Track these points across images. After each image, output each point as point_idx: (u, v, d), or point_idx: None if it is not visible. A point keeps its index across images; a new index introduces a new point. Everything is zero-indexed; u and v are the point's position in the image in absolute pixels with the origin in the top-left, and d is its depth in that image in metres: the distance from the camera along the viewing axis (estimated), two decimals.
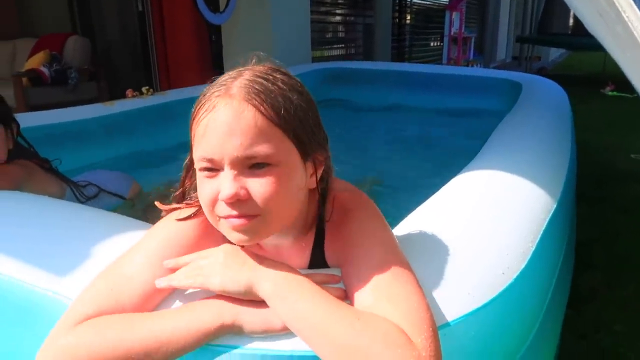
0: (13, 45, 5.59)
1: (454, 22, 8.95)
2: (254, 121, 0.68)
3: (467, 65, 8.54)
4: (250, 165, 0.70)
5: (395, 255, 0.75)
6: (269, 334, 0.71)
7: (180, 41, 5.29)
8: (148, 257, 0.79)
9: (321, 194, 0.82)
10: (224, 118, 0.68)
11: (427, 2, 9.40)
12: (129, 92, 3.02)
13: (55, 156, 1.62)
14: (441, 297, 0.77)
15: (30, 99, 4.55)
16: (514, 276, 0.88)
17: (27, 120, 1.54)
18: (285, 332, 0.70)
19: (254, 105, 0.69)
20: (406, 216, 1.09)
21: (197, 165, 0.72)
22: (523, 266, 0.92)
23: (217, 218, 0.73)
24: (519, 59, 12.00)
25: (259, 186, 0.70)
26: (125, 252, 0.83)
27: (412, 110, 3.84)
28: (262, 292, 0.71)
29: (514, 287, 0.86)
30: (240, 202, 0.69)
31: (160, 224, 0.86)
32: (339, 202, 0.83)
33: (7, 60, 5.49)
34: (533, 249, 1.00)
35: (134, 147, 2.68)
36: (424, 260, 0.86)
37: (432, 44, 10.03)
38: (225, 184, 0.69)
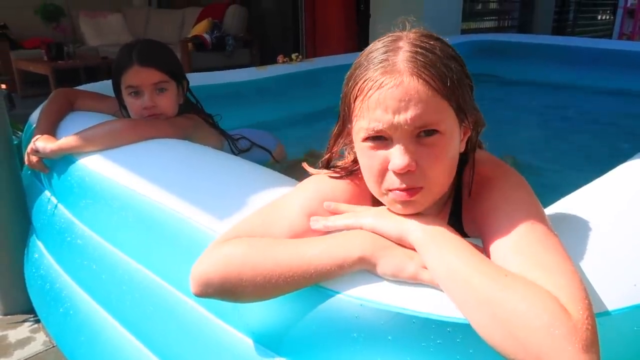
0: (182, 14, 6.22)
1: None
2: (425, 94, 0.70)
3: None
4: (418, 134, 0.71)
5: (543, 223, 0.72)
6: (397, 278, 0.72)
7: (329, 11, 5.41)
8: (301, 202, 0.85)
9: (464, 158, 0.82)
10: (395, 94, 0.70)
11: None
12: (280, 57, 3.18)
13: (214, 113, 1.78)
14: (600, 284, 0.71)
15: (193, 62, 5.05)
16: None
17: (192, 79, 1.71)
18: (413, 281, 0.71)
19: (423, 79, 0.70)
20: (553, 203, 1.00)
21: (361, 135, 0.74)
22: None
23: (383, 190, 0.76)
24: None
25: (427, 157, 0.72)
26: (278, 197, 0.89)
27: (572, 89, 3.46)
28: (412, 238, 0.72)
29: None
30: (410, 173, 0.72)
31: (312, 178, 0.90)
32: (479, 172, 0.82)
33: (177, 27, 6.13)
34: None
35: (282, 111, 2.82)
36: (580, 243, 0.79)
37: (600, 17, 8.93)
38: (397, 155, 0.71)
